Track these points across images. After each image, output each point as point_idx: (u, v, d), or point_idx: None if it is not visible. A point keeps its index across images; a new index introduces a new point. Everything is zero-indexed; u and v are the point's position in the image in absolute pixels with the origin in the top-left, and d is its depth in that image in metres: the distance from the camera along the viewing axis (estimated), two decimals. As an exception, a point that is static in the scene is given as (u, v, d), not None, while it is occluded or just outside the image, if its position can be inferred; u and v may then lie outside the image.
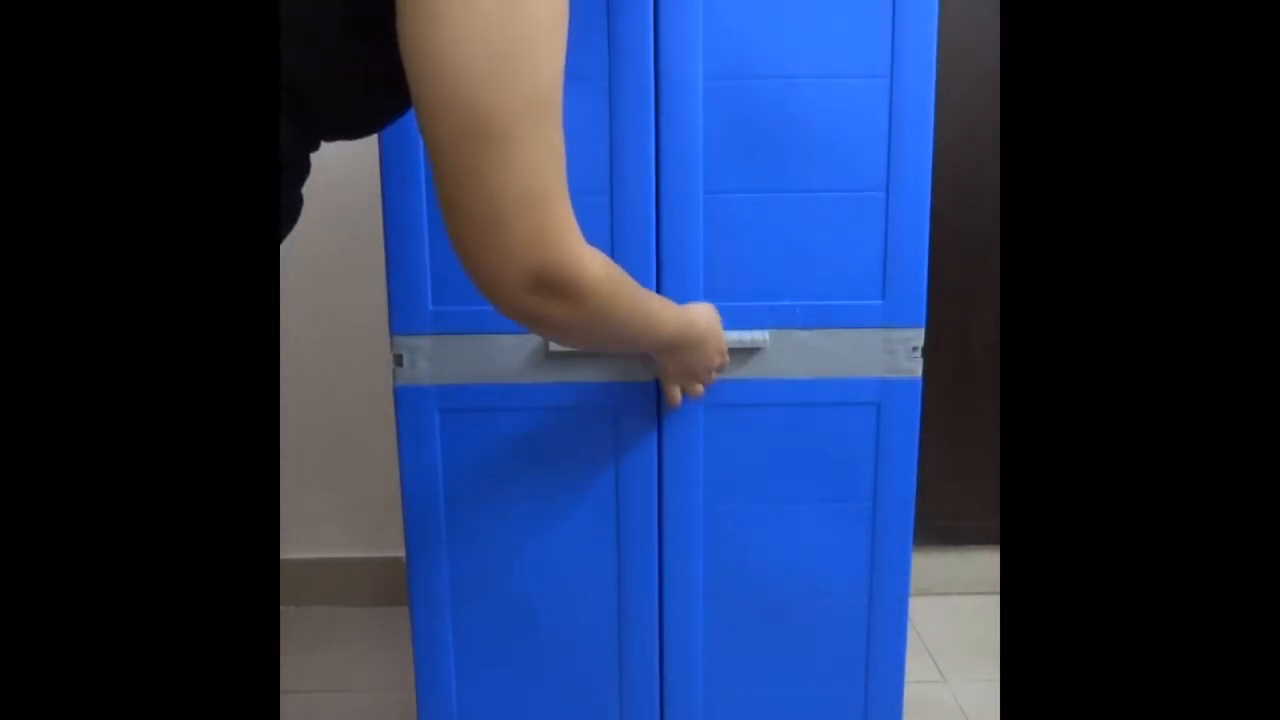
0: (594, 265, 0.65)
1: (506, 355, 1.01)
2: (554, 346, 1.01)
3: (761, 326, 1.01)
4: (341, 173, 1.57)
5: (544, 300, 0.64)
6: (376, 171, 0.99)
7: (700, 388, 0.97)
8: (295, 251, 1.45)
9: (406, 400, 1.02)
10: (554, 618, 1.08)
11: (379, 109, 0.69)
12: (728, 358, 0.97)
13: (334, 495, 1.74)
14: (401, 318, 1.01)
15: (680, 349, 0.89)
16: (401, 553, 1.07)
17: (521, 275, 0.62)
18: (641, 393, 1.03)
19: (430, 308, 1.00)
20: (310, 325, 1.66)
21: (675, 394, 0.98)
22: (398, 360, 1.01)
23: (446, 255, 0.99)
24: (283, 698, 1.43)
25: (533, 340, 1.01)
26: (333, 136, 0.70)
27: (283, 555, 1.65)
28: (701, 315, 0.91)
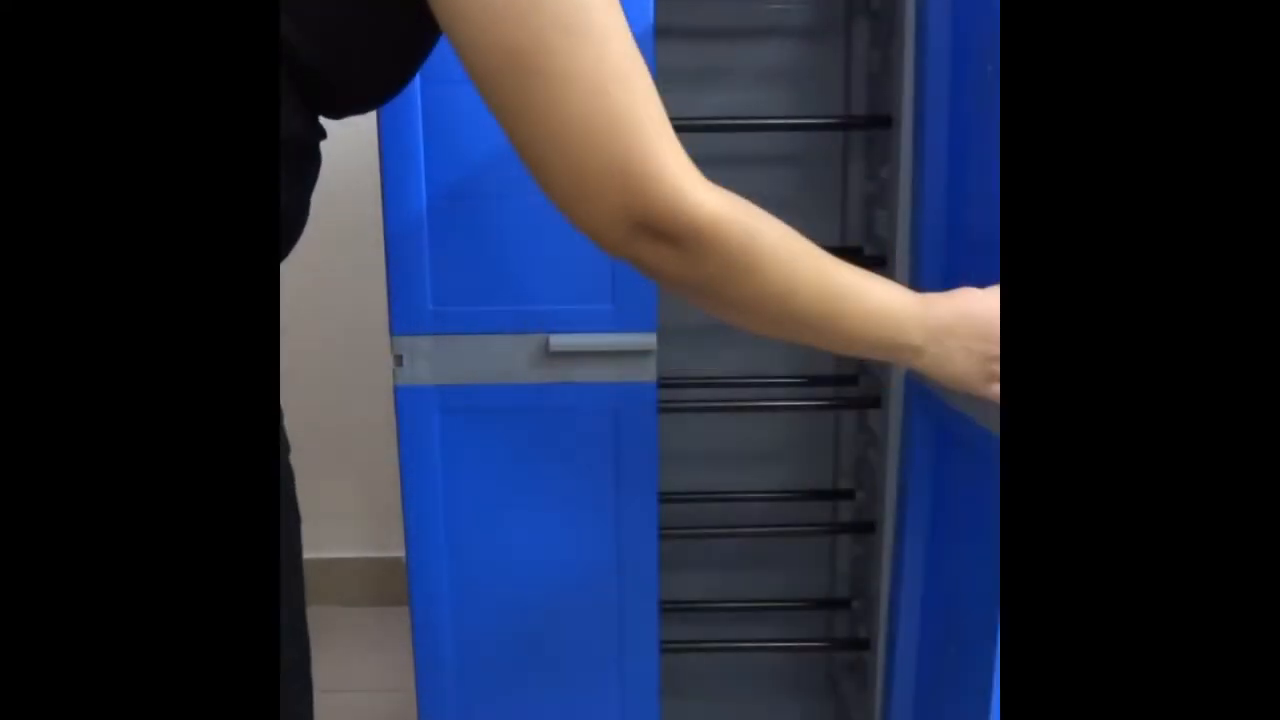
0: (712, 203, 0.55)
1: (506, 355, 1.01)
2: (555, 346, 1.00)
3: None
4: (341, 173, 1.57)
5: (651, 247, 0.55)
6: (376, 171, 0.99)
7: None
8: (295, 251, 1.45)
9: (406, 400, 1.02)
10: (554, 617, 1.08)
11: (390, 71, 0.63)
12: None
13: (334, 495, 1.74)
14: (401, 318, 1.01)
15: (934, 340, 0.65)
16: (401, 553, 1.07)
17: (617, 220, 0.54)
18: (641, 393, 1.03)
19: (430, 308, 1.00)
20: (310, 325, 1.66)
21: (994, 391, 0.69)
22: (398, 360, 1.01)
23: (447, 255, 1.00)
24: (283, 698, 1.43)
25: (533, 340, 1.01)
26: (344, 112, 0.64)
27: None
28: (946, 299, 0.67)
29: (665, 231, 0.55)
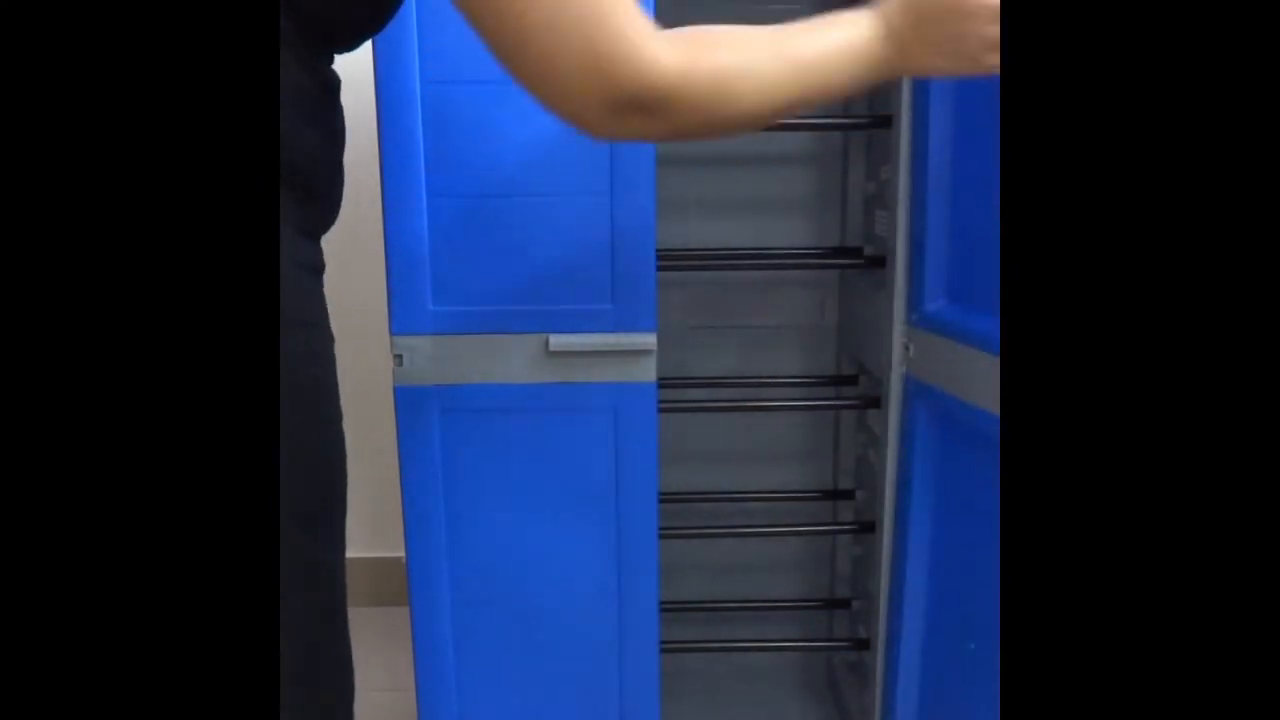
0: (675, 65, 0.57)
1: (506, 355, 1.01)
2: (555, 346, 1.00)
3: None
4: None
5: (633, 120, 0.58)
6: (376, 171, 0.98)
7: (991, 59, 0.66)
8: (295, 251, 1.45)
9: (406, 400, 1.02)
10: (554, 617, 1.08)
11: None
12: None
13: (334, 495, 1.74)
14: (401, 318, 1.01)
15: (902, 52, 0.65)
16: (401, 553, 1.07)
17: (596, 104, 0.57)
18: (641, 393, 1.03)
19: (430, 308, 1.00)
20: (310, 325, 1.66)
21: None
22: (398, 360, 1.01)
23: (447, 255, 0.99)
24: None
25: (533, 340, 1.01)
26: (353, 41, 0.67)
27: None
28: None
29: (641, 105, 0.58)
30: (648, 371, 1.02)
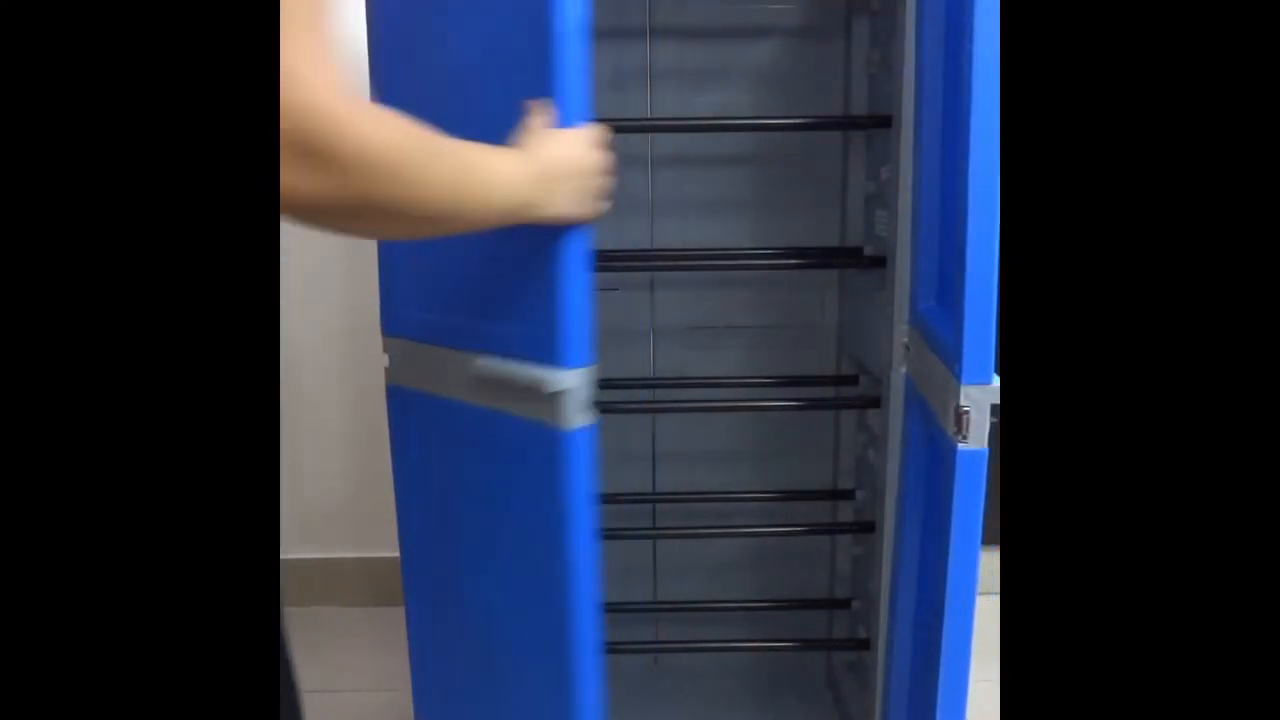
0: (368, 124, 0.51)
1: (444, 370, 0.94)
2: (479, 370, 0.88)
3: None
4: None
5: (298, 167, 0.48)
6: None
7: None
8: (292, 251, 1.45)
9: (396, 400, 1.01)
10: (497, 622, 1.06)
11: None
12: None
13: (333, 495, 1.74)
14: (389, 319, 0.99)
15: (545, 191, 0.72)
16: (396, 552, 1.07)
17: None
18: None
19: (406, 312, 0.97)
20: (309, 324, 1.66)
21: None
22: (391, 360, 1.01)
23: (419, 261, 0.97)
24: (281, 698, 1.42)
25: (463, 358, 0.90)
26: None
27: (282, 555, 1.64)
28: (537, 150, 0.73)
29: (306, 146, 0.48)
30: (567, 416, 0.82)
